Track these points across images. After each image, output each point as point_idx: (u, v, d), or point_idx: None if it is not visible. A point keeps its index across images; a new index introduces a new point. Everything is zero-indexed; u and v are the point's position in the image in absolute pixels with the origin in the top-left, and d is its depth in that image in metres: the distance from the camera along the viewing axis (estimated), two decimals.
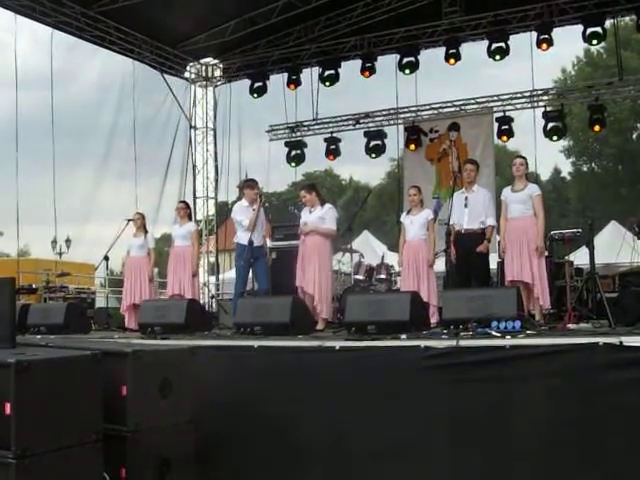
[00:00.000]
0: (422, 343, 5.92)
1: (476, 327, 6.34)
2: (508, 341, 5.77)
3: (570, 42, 17.31)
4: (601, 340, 5.31)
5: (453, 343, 5.77)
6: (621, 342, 5.21)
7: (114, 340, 8.03)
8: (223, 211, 18.37)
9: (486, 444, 5.49)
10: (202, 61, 18.77)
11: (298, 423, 6.19)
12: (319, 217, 10.03)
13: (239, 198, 11.40)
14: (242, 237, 10.68)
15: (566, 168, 44.15)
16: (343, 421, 6.03)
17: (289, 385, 6.31)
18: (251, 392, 6.41)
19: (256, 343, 6.76)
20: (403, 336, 6.48)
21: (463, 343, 5.77)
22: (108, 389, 4.81)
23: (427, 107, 17.47)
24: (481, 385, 5.57)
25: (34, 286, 15.47)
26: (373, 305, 7.20)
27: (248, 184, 11.36)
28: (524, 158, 9.65)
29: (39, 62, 17.65)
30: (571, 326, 7.99)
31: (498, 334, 6.12)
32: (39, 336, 8.71)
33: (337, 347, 6.30)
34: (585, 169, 42.47)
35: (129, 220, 12.19)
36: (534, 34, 15.00)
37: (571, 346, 5.41)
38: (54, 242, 22.46)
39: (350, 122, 18.05)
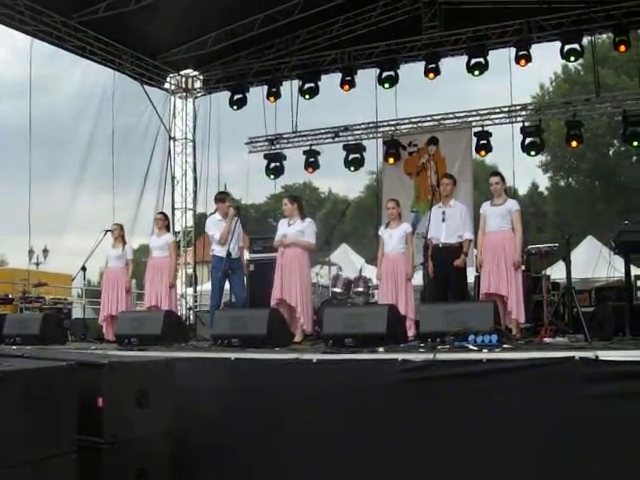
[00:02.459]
0: (399, 356, 5.93)
1: (453, 340, 6.36)
2: (485, 355, 5.79)
3: (548, 58, 17.50)
4: (577, 354, 5.34)
5: (430, 356, 5.79)
6: (597, 356, 5.24)
7: (90, 351, 8.00)
8: (201, 223, 18.28)
9: (464, 458, 5.50)
10: (182, 72, 18.75)
11: (275, 437, 6.18)
12: (299, 231, 10.02)
13: (216, 210, 11.36)
14: (218, 249, 10.68)
15: (543, 183, 44.49)
16: (320, 435, 6.01)
17: (266, 397, 6.30)
18: (228, 404, 6.40)
19: (233, 355, 6.75)
20: (380, 349, 6.48)
21: (440, 356, 5.78)
22: (84, 400, 4.79)
23: (406, 121, 17.52)
24: (458, 398, 5.58)
25: (10, 296, 15.36)
26: (351, 318, 7.19)
27: (219, 197, 11.37)
28: (499, 175, 9.71)
29: (18, 71, 17.57)
30: (547, 340, 8.04)
31: (475, 348, 6.14)
32: (14, 347, 8.63)
33: (314, 360, 6.30)
34: (562, 184, 42.73)
35: (107, 231, 12.13)
36: (513, 50, 15.06)
37: (547, 360, 5.44)
38: (31, 252, 22.31)
39: (329, 135, 18.02)
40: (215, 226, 10.95)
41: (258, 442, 6.25)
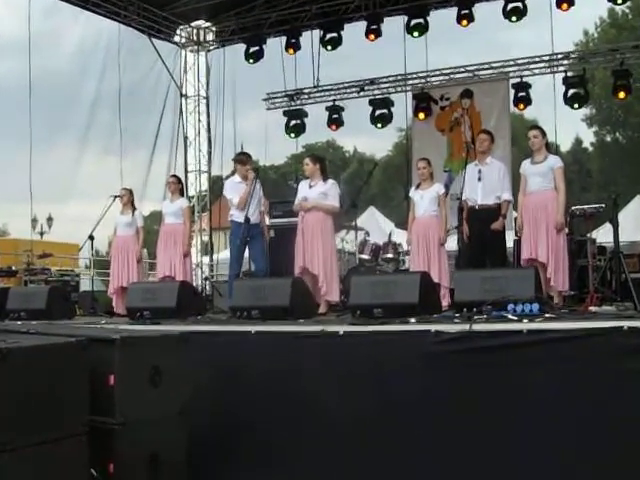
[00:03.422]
0: (433, 327, 5.92)
1: (491, 310, 6.33)
2: (525, 325, 5.76)
3: (593, 1, 17.23)
4: (626, 324, 5.30)
5: (466, 327, 5.77)
6: None
7: (100, 326, 8.06)
8: (217, 186, 18.33)
9: (501, 433, 5.51)
10: (193, 24, 18.70)
11: (297, 416, 6.20)
12: (321, 193, 9.97)
13: (234, 172, 11.34)
14: (237, 214, 10.63)
15: (588, 138, 44.14)
16: (347, 410, 6.03)
17: (289, 373, 6.32)
18: (248, 380, 6.43)
19: (253, 328, 6.77)
20: (412, 320, 6.46)
21: (477, 327, 5.76)
22: (94, 379, 4.83)
23: (437, 73, 17.39)
24: (496, 372, 5.58)
25: (14, 268, 15.47)
26: (379, 287, 7.18)
27: (239, 159, 11.29)
28: (539, 128, 9.60)
29: (15, 27, 17.60)
30: (593, 309, 7.98)
31: (515, 318, 6.10)
32: (20, 322, 8.71)
33: (341, 332, 6.29)
34: (609, 139, 42.31)
35: (115, 196, 12.13)
36: None
37: (593, 330, 5.40)
38: (34, 221, 22.45)
39: (354, 89, 17.94)
40: (234, 189, 10.91)
41: (279, 423, 6.27)
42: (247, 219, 10.27)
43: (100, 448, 4.82)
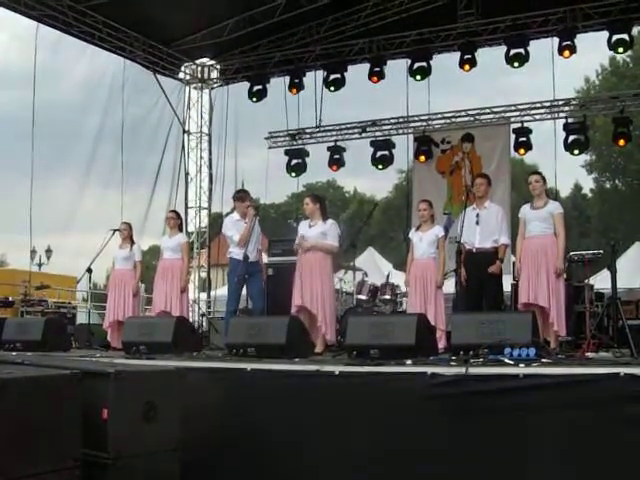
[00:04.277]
0: (429, 370, 5.91)
1: (487, 354, 6.33)
2: (522, 369, 5.75)
3: (594, 50, 17.39)
4: (623, 370, 5.30)
5: (462, 371, 5.76)
6: None
7: (96, 359, 8.03)
8: (217, 223, 18.33)
9: (497, 477, 5.48)
10: (198, 61, 18.79)
11: (293, 454, 6.17)
12: (320, 232, 9.98)
13: (233, 210, 11.37)
14: (236, 252, 10.65)
15: (588, 184, 44.34)
16: (342, 452, 6.00)
17: (284, 412, 6.30)
18: (243, 419, 6.40)
19: (249, 366, 6.75)
20: (408, 362, 6.47)
21: (473, 371, 5.75)
22: (88, 412, 4.81)
23: (439, 116, 17.47)
24: (492, 417, 5.56)
25: (11, 299, 15.45)
26: (376, 327, 7.18)
27: (239, 196, 11.29)
28: (539, 174, 9.67)
29: (20, 59, 17.73)
30: (590, 355, 7.99)
31: (511, 362, 6.10)
32: (14, 353, 8.68)
33: (336, 372, 6.28)
34: (608, 186, 42.50)
35: (115, 230, 12.16)
36: (556, 40, 15.03)
37: (590, 376, 5.40)
38: (33, 252, 22.46)
39: (356, 130, 17.99)
40: (234, 226, 10.94)
41: (274, 461, 6.24)
42: (246, 257, 10.26)
43: None
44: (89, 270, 11.99)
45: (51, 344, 9.22)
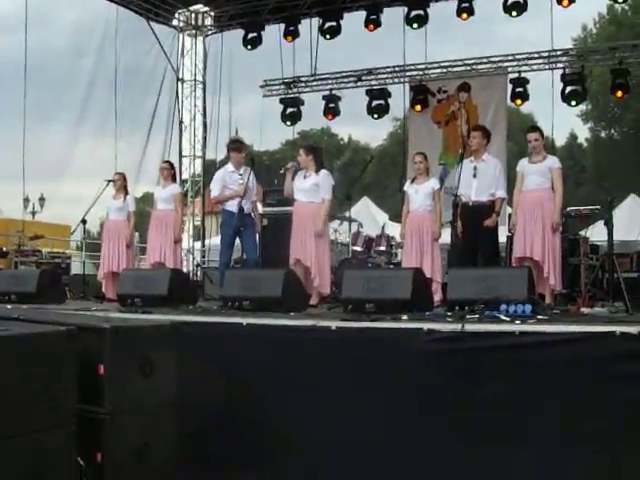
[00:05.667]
0: (425, 326, 5.91)
1: (483, 310, 6.35)
2: (517, 327, 5.76)
3: None
4: (618, 329, 5.30)
5: (458, 327, 5.76)
6: (639, 332, 5.20)
7: (91, 313, 8.01)
8: (211, 170, 18.25)
9: (492, 436, 5.51)
10: (192, 8, 18.61)
11: (288, 409, 6.19)
12: (313, 184, 9.95)
13: (227, 159, 11.27)
14: (231, 203, 10.58)
15: (583, 134, 44.15)
16: (337, 408, 6.03)
17: (280, 367, 6.31)
18: (239, 375, 6.41)
19: (245, 321, 6.76)
20: (404, 317, 6.48)
21: (469, 327, 5.75)
22: (84, 367, 4.80)
23: (436, 65, 17.34)
24: (487, 372, 5.58)
25: (4, 249, 15.42)
26: (372, 281, 7.21)
27: (235, 147, 11.16)
28: (538, 130, 9.61)
29: (10, 4, 17.49)
30: (585, 310, 8.00)
31: (507, 318, 6.12)
32: (9, 305, 8.67)
33: (333, 327, 6.29)
34: (604, 135, 42.32)
35: (109, 181, 12.12)
36: None
37: (585, 334, 5.41)
38: (26, 200, 22.39)
39: (351, 79, 17.86)
40: (229, 178, 10.75)
41: (269, 417, 6.25)
42: (241, 209, 10.23)
43: (88, 437, 4.80)
44: (83, 221, 11.98)
45: (45, 296, 9.18)
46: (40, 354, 4.55)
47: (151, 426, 5.27)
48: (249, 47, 17.37)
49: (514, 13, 15.10)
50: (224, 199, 10.63)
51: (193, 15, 18.77)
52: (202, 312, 8.03)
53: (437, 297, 8.98)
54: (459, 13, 15.62)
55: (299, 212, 9.97)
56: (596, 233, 12.40)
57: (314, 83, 18.15)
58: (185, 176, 18.92)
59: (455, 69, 17.19)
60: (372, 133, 61.16)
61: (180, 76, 18.80)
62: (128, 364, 5.16)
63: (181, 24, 18.71)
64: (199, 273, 15.78)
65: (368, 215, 19.84)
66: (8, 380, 4.30)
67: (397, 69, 17.55)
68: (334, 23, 16.67)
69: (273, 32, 17.45)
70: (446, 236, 10.83)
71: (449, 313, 6.67)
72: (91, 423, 4.88)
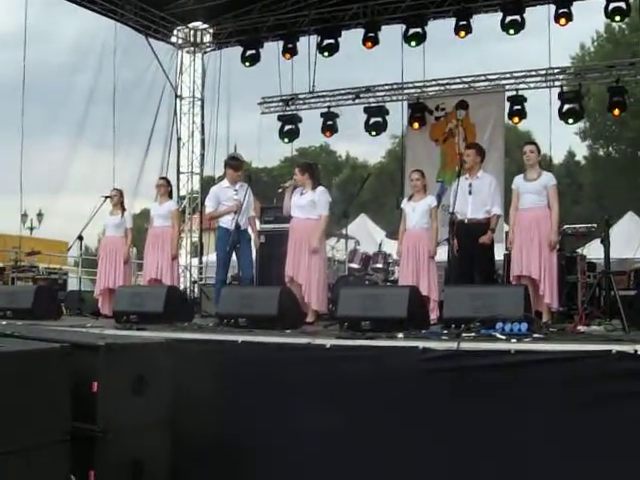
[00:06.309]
0: (420, 344, 5.90)
1: (479, 328, 6.33)
2: (513, 345, 5.74)
3: (590, 17, 17.28)
4: (614, 347, 5.29)
5: (454, 346, 5.75)
6: (636, 351, 5.18)
7: (86, 330, 7.98)
8: (208, 187, 18.22)
9: (487, 455, 5.49)
10: (190, 25, 18.62)
11: (282, 429, 6.17)
12: (310, 200, 9.97)
13: (224, 175, 11.26)
14: (225, 220, 10.58)
15: (581, 152, 44.16)
16: (332, 425, 6.00)
17: (275, 385, 6.29)
18: (233, 392, 6.39)
19: (240, 338, 6.74)
20: (400, 335, 6.46)
21: (465, 346, 5.74)
22: (77, 385, 4.80)
23: (434, 83, 17.33)
24: (483, 392, 5.56)
25: (1, 265, 15.39)
26: (368, 299, 7.20)
27: (234, 164, 11.15)
28: (534, 144, 9.62)
29: (11, 19, 17.54)
30: (581, 328, 7.98)
31: (503, 337, 6.10)
32: (4, 322, 8.65)
33: (328, 345, 6.27)
34: (601, 153, 42.36)
35: (106, 197, 12.11)
36: (552, 7, 14.91)
37: (581, 353, 5.40)
38: (24, 216, 22.38)
39: (349, 96, 17.88)
40: (220, 195, 10.77)
41: (263, 434, 6.24)
42: (238, 225, 10.22)
43: (81, 455, 4.79)
44: (80, 238, 11.96)
45: (41, 312, 9.17)
46: (33, 371, 4.55)
47: (145, 443, 5.27)
48: (247, 64, 17.36)
49: (512, 31, 15.12)
50: (218, 215, 10.66)
51: (192, 32, 18.78)
52: (197, 329, 8.01)
53: (434, 315, 8.96)
54: (457, 31, 15.63)
55: (295, 228, 9.99)
56: (593, 250, 12.41)
57: (312, 100, 18.15)
58: (183, 193, 18.91)
59: (453, 87, 17.22)
60: (370, 150, 61.32)
61: (178, 93, 18.79)
62: (122, 382, 5.16)
63: (180, 41, 18.72)
64: (196, 289, 15.75)
65: (365, 232, 19.82)
66: (1, 397, 4.29)
67: (395, 86, 17.57)
68: (332, 40, 16.67)
69: (271, 49, 17.48)
70: (443, 254, 10.80)
71: (445, 331, 6.64)
72: (84, 440, 4.87)
